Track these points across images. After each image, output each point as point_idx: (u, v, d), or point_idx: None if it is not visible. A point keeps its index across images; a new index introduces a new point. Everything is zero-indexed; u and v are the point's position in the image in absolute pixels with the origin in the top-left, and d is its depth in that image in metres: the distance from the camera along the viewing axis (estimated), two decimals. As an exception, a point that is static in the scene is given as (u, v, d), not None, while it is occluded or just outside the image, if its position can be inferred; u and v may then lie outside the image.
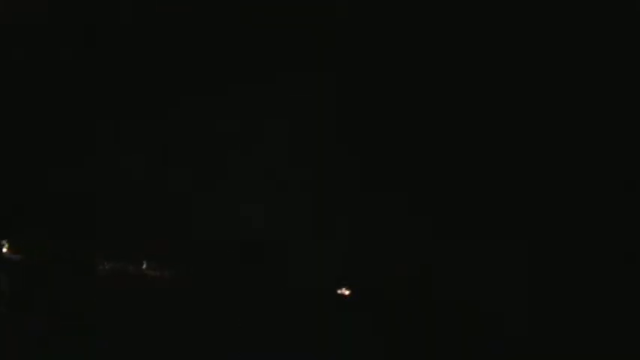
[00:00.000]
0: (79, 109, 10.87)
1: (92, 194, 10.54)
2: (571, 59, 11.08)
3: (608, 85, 10.56)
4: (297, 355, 10.06)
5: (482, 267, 10.58)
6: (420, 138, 10.58)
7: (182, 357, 10.28)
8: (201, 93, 11.47)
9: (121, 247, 10.31)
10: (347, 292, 10.57)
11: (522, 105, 10.82)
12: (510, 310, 10.64)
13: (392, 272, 10.18)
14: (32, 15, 11.36)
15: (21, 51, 11.47)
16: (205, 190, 10.70)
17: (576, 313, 10.60)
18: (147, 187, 10.56)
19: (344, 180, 10.92)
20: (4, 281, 10.52)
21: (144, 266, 10.29)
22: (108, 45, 11.59)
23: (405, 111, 11.04)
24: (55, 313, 10.36)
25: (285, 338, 10.20)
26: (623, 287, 10.65)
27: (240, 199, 10.41)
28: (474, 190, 10.91)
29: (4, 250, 10.72)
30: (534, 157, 10.83)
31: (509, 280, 10.62)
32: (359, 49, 11.39)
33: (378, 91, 11.40)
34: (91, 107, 10.86)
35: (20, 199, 10.81)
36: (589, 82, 10.82)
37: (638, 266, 10.67)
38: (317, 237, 10.18)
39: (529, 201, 10.85)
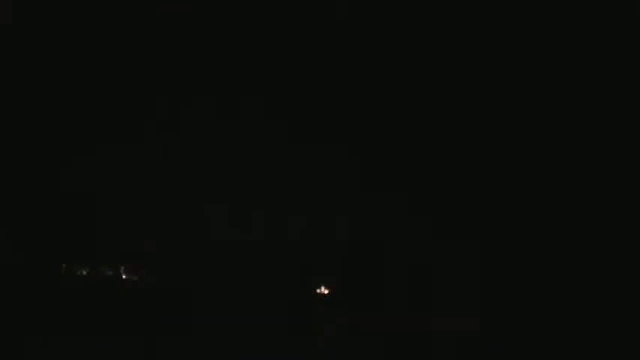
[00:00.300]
0: (57, 112, 10.79)
1: (72, 200, 10.47)
2: (570, 60, 11.08)
3: (604, 85, 10.56)
4: (286, 354, 9.99)
5: (481, 267, 10.56)
6: (414, 139, 10.57)
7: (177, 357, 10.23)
8: (199, 93, 11.46)
9: (105, 252, 10.26)
10: (326, 292, 10.57)
11: (520, 109, 10.81)
12: (511, 311, 10.63)
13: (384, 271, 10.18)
14: (32, 15, 11.35)
15: (21, 51, 11.45)
16: (195, 192, 10.66)
17: (576, 313, 10.59)
18: (138, 189, 10.53)
19: (342, 179, 10.91)
20: None
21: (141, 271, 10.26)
22: (108, 45, 11.58)
23: (403, 112, 11.03)
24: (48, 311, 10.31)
25: (273, 337, 10.11)
26: (622, 287, 10.64)
27: (230, 201, 10.38)
28: (473, 191, 10.90)
29: None
30: (533, 159, 10.82)
31: (508, 280, 10.60)
32: (359, 49, 11.39)
33: (377, 91, 11.40)
34: (68, 110, 10.77)
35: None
36: (587, 83, 10.82)
37: (637, 266, 10.67)
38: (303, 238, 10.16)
39: (528, 203, 10.83)
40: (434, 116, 10.71)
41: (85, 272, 10.27)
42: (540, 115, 10.70)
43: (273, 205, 10.61)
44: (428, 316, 10.13)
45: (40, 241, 10.37)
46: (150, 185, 10.64)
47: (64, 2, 10.72)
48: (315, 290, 10.29)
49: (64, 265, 10.17)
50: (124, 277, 10.36)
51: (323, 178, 10.51)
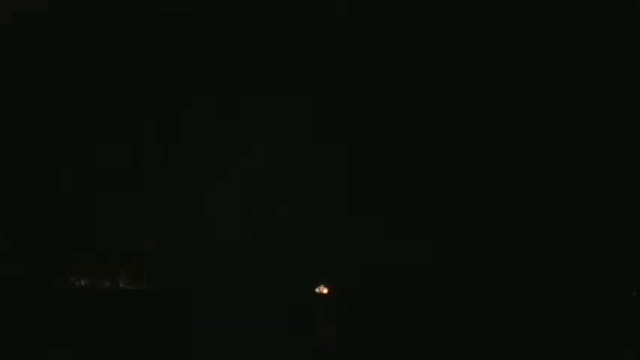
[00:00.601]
0: (57, 112, 10.78)
1: (68, 206, 10.45)
2: (570, 60, 11.09)
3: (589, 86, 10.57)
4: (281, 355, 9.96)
5: (470, 267, 10.57)
6: (414, 138, 10.58)
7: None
8: (199, 93, 11.46)
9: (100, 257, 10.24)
10: (325, 291, 10.59)
11: (524, 109, 10.82)
12: (506, 309, 10.64)
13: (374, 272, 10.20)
14: (32, 15, 11.35)
15: (21, 51, 11.46)
16: (190, 196, 10.65)
17: (574, 313, 10.61)
18: (138, 189, 10.53)
19: (342, 178, 10.92)
20: None
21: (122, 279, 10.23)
22: (108, 45, 11.58)
23: (403, 112, 11.04)
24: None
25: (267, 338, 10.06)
26: (621, 287, 10.66)
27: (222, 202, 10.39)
28: (474, 189, 10.92)
29: None
30: (533, 159, 10.84)
31: (502, 279, 10.61)
32: (359, 49, 11.40)
33: (377, 91, 11.41)
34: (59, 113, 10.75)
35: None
36: (587, 83, 10.83)
37: (636, 267, 10.68)
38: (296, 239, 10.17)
39: (523, 203, 10.85)
40: (434, 116, 10.71)
41: (83, 281, 10.27)
42: (541, 115, 10.73)
43: (274, 205, 10.61)
44: (422, 314, 10.15)
45: (39, 245, 10.36)
46: (150, 185, 10.65)
47: (64, 2, 10.73)
48: (314, 289, 10.31)
49: (62, 273, 10.17)
50: (121, 284, 10.37)
51: (323, 178, 10.51)
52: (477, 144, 10.40)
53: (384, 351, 9.88)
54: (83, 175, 10.63)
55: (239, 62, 10.77)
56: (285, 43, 10.67)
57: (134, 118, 10.86)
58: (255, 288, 10.40)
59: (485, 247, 10.11)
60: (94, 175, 10.65)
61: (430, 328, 10.06)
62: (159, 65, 10.77)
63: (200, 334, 9.80)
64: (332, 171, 10.49)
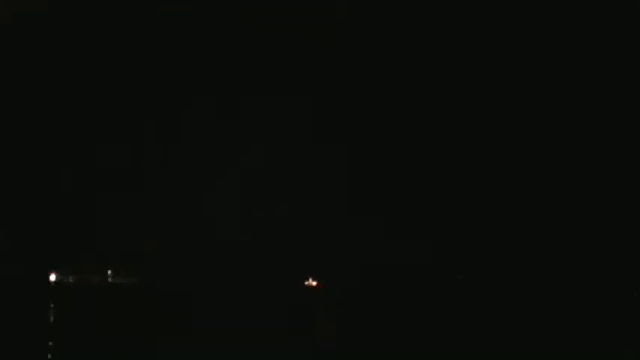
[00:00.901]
0: (57, 112, 10.75)
1: (60, 205, 10.41)
2: (570, 60, 11.06)
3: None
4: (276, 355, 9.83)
5: (477, 267, 10.56)
6: (414, 138, 10.59)
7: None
8: (199, 93, 11.44)
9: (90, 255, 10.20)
10: (314, 284, 10.58)
11: (525, 109, 10.80)
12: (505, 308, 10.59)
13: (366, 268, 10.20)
14: (32, 15, 11.31)
15: (21, 51, 11.43)
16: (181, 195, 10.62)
17: (572, 313, 10.55)
18: (138, 189, 10.51)
19: (341, 178, 10.91)
20: None
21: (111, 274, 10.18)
22: (108, 45, 11.56)
23: (403, 111, 11.04)
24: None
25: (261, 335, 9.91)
26: (620, 288, 10.64)
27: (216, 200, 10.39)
28: (473, 189, 10.90)
29: None
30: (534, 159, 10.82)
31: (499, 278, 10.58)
32: (359, 49, 11.38)
33: (377, 91, 11.39)
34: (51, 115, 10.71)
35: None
36: (587, 83, 10.82)
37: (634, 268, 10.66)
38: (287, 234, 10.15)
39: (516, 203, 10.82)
40: (433, 116, 10.69)
41: (83, 281, 10.26)
42: (541, 115, 10.71)
43: (274, 205, 10.59)
44: (422, 314, 10.13)
45: (39, 245, 10.35)
46: (150, 185, 10.63)
47: (64, 2, 10.71)
48: (303, 282, 10.28)
49: (62, 273, 10.15)
50: (111, 280, 10.34)
51: (323, 178, 10.49)
52: (476, 144, 10.38)
53: (383, 351, 9.84)
54: (83, 176, 10.62)
55: (239, 62, 10.76)
56: (285, 43, 10.66)
57: (134, 118, 10.83)
58: (254, 287, 10.38)
59: (485, 247, 10.10)
60: (94, 175, 10.64)
61: (429, 328, 10.03)
62: (159, 65, 10.75)
63: (200, 334, 9.77)
64: (332, 171, 10.48)
